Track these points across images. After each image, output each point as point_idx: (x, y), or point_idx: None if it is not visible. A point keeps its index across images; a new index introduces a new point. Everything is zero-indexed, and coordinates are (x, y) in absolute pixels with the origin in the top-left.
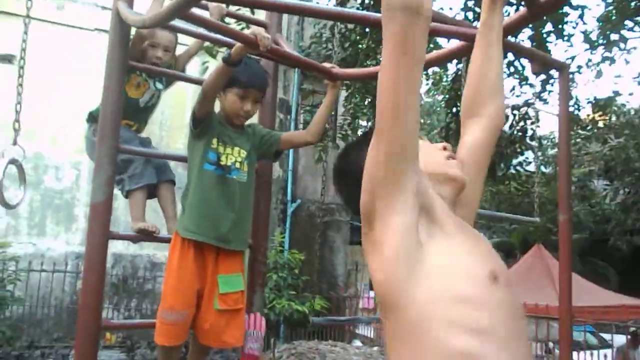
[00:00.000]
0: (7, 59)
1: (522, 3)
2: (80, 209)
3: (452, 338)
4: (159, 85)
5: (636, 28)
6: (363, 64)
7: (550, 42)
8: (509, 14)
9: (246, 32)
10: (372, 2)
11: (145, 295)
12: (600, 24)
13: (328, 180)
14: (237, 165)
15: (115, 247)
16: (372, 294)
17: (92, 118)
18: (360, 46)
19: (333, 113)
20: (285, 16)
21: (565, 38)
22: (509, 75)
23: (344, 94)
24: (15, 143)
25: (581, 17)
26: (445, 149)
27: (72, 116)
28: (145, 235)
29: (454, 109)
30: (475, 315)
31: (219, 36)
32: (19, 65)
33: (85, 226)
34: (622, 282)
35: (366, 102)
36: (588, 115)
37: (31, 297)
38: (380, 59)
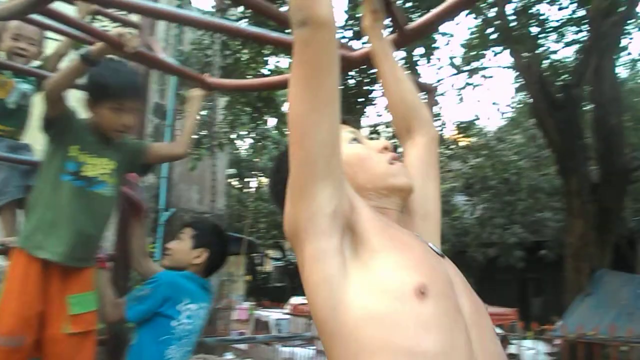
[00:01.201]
0: None
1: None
2: None
3: None
4: (26, 86)
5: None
6: (243, 73)
7: (421, 65)
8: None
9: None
10: (250, 14)
11: None
12: (465, 50)
13: (204, 190)
14: (103, 178)
15: None
16: (245, 305)
17: None
18: (241, 55)
19: (210, 121)
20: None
21: (433, 63)
22: (383, 95)
23: (222, 102)
24: None
25: (447, 44)
26: (386, 149)
27: None
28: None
29: None
30: (401, 335)
31: (83, 35)
32: None
33: None
34: (479, 290)
35: (246, 113)
36: (451, 136)
37: None
38: (260, 69)
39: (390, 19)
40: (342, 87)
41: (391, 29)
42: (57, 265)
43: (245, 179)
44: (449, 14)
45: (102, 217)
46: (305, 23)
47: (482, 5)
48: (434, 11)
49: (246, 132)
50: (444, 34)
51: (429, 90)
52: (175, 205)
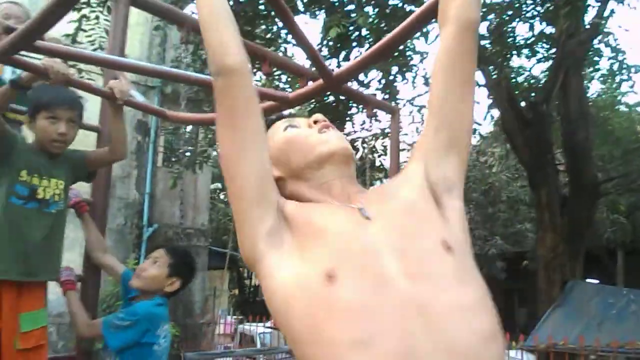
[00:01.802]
0: None
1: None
2: None
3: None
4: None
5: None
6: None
7: (397, 83)
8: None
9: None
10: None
11: None
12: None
13: (186, 205)
14: (56, 198)
15: None
16: (229, 319)
17: None
18: None
19: (193, 139)
20: (149, 35)
21: (408, 81)
22: (359, 111)
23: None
24: None
25: (422, 61)
26: (316, 122)
27: None
28: None
29: None
30: (320, 327)
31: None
32: None
33: None
34: None
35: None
36: None
37: None
38: None
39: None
40: (320, 103)
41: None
42: (12, 284)
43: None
44: (373, 61)
45: (56, 231)
46: (219, 73)
47: None
48: (358, 59)
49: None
50: (417, 52)
51: (392, 112)
52: (159, 221)
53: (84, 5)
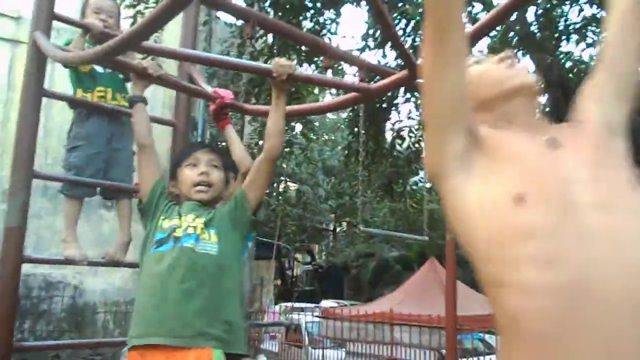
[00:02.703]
0: None
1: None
2: None
3: (508, 290)
4: None
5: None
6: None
7: None
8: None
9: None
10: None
11: (40, 316)
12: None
13: None
14: (191, 230)
15: None
16: (276, 308)
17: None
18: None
19: (239, 131)
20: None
21: None
22: (405, 101)
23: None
24: None
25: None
26: (502, 60)
27: None
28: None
29: (355, 129)
30: (505, 245)
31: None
32: None
33: None
34: None
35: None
36: None
37: None
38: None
39: (404, 59)
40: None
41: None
42: (158, 350)
43: (274, 184)
44: None
45: (209, 280)
46: None
47: None
48: None
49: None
50: None
51: None
52: None
53: (137, 2)
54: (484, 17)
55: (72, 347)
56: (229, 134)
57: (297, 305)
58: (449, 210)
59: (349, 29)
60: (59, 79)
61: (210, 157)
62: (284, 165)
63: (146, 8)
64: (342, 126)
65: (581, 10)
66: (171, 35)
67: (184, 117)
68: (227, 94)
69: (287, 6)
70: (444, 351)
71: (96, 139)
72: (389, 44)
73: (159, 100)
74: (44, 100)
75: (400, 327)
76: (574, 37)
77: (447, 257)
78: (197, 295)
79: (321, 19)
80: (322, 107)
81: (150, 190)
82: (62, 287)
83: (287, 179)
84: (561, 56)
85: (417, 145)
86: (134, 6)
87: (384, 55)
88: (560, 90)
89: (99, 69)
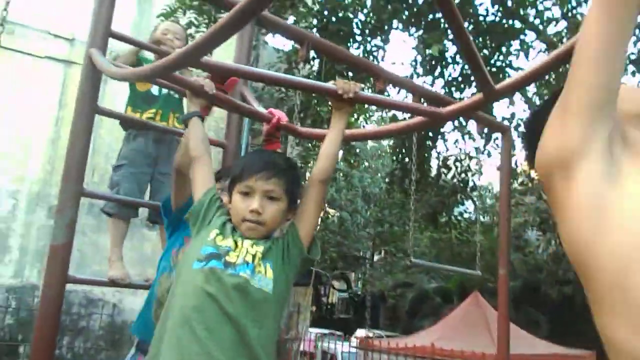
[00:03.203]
0: None
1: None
2: (15, 240)
3: None
4: None
5: None
6: (316, 109)
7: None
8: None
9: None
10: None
11: (79, 333)
12: (537, 86)
13: None
14: (249, 258)
15: None
16: (312, 336)
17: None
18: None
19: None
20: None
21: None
22: (453, 129)
23: (292, 138)
24: None
25: None
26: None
27: (11, 144)
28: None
29: (399, 156)
30: None
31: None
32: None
33: (19, 258)
34: (552, 329)
35: (317, 148)
36: (525, 171)
37: None
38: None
39: (479, 82)
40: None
41: (480, 87)
42: None
43: None
44: (535, 76)
45: (260, 316)
46: None
47: (554, 39)
48: (522, 74)
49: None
50: (516, 69)
51: (503, 130)
52: None
53: (189, 26)
54: None
55: None
56: None
57: (328, 331)
58: (564, 207)
59: (396, 55)
60: (108, 98)
61: (268, 188)
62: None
63: (197, 32)
64: (384, 154)
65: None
66: (223, 57)
67: (235, 138)
68: (282, 115)
69: (335, 32)
70: None
71: (139, 158)
72: (437, 71)
73: (205, 124)
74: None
75: None
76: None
77: (500, 293)
78: (247, 336)
79: (368, 47)
80: (386, 131)
81: (203, 195)
82: (102, 304)
83: (327, 205)
84: None
85: (463, 175)
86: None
87: (433, 83)
88: None
89: (155, 91)
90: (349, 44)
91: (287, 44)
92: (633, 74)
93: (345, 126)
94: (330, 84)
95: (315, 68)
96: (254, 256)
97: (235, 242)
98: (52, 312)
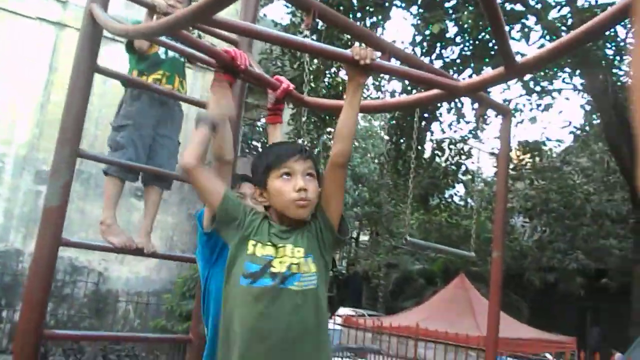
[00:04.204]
0: None
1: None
2: (1, 204)
3: None
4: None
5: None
6: (310, 84)
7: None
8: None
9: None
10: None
11: (63, 300)
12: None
13: None
14: (295, 268)
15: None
16: None
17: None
18: (310, 66)
19: None
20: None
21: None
22: (448, 112)
23: (289, 112)
24: None
25: None
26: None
27: (3, 106)
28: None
29: (395, 137)
30: None
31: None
32: None
33: (4, 222)
34: (532, 314)
35: (311, 122)
36: (518, 156)
37: None
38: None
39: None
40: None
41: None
42: None
43: None
44: (562, 53)
45: (308, 321)
46: None
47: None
48: (548, 49)
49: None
50: (516, 53)
51: (504, 113)
52: None
53: None
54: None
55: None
56: (277, 133)
57: None
58: None
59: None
60: (107, 59)
61: (306, 165)
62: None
63: None
64: (374, 134)
65: None
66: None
67: (237, 109)
68: (289, 83)
69: (335, 7)
70: None
71: (144, 120)
72: (437, 50)
73: (197, 88)
74: None
75: (425, 343)
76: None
77: (493, 274)
78: (311, 331)
79: (368, 23)
80: (394, 103)
81: (223, 199)
82: (87, 272)
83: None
84: (617, 76)
85: (457, 158)
86: None
87: (431, 62)
88: (614, 113)
89: (162, 54)
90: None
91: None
92: None
93: (359, 100)
94: (344, 51)
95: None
96: (299, 264)
97: (275, 247)
98: (43, 275)
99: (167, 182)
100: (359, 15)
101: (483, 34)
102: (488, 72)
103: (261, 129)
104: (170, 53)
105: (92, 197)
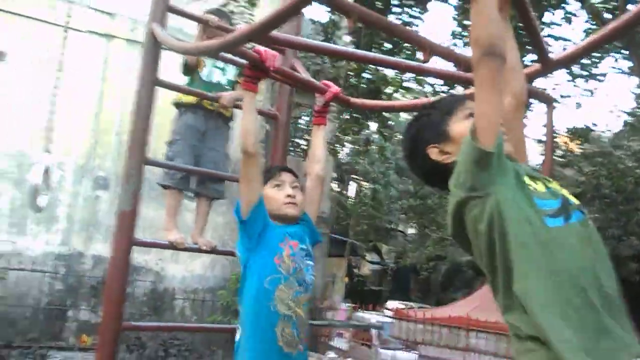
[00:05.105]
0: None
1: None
2: (62, 210)
3: None
4: (214, 63)
5: (615, 63)
6: (348, 81)
7: None
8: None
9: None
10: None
11: (125, 299)
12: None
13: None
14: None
15: (95, 249)
16: (345, 306)
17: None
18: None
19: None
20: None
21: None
22: None
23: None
24: (47, 151)
25: (564, 48)
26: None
27: (58, 116)
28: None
29: None
30: None
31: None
32: (56, 75)
33: (67, 227)
34: None
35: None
36: (565, 142)
37: (9, 296)
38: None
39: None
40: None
41: (537, 58)
42: None
43: (345, 183)
44: (594, 48)
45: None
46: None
47: (599, 7)
48: (582, 44)
49: (349, 137)
50: (557, 38)
51: (548, 101)
52: None
53: (231, 1)
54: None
55: (165, 330)
56: (320, 134)
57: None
58: None
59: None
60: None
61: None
62: (358, 164)
63: (238, 6)
64: None
65: None
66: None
67: (286, 109)
68: (337, 88)
69: (372, 3)
70: None
71: (189, 133)
72: None
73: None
74: None
75: (476, 333)
76: None
77: None
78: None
79: (406, 18)
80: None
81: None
82: (145, 272)
83: (360, 178)
84: None
85: None
86: (225, 5)
87: None
88: None
89: (204, 77)
90: (386, 15)
91: (324, 17)
92: None
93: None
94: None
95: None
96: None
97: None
98: (120, 275)
99: (216, 191)
100: (397, 10)
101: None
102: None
103: (304, 127)
104: (214, 78)
105: (147, 201)
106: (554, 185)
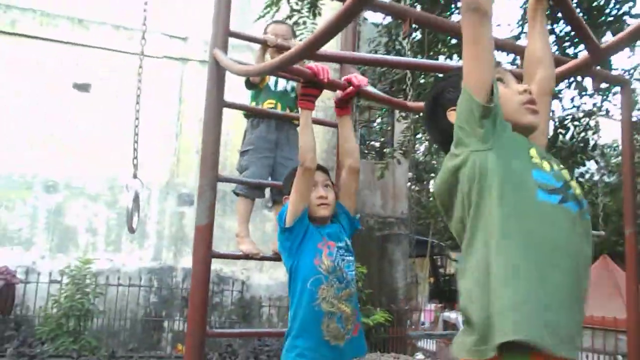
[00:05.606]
0: (84, 88)
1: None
2: (151, 226)
3: None
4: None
5: None
6: (416, 80)
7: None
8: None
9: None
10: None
11: (214, 308)
12: None
13: (387, 194)
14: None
15: (184, 262)
16: (429, 307)
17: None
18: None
19: (389, 129)
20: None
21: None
22: (567, 87)
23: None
24: (135, 176)
25: None
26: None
27: (145, 140)
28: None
29: None
30: None
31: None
32: (136, 107)
33: (156, 243)
34: None
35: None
36: None
37: (109, 310)
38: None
39: (584, 38)
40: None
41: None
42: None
43: (424, 182)
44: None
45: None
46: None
47: None
48: (629, 29)
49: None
50: (636, 16)
51: (622, 83)
52: (360, 211)
53: (295, 13)
54: None
55: (248, 336)
56: (347, 123)
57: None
58: None
59: (500, 16)
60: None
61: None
62: (435, 162)
63: (300, 17)
64: None
65: None
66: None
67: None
68: (361, 81)
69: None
70: (620, 357)
71: (262, 143)
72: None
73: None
74: None
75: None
76: None
77: (628, 254)
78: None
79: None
80: None
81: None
82: (232, 282)
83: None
84: None
85: (582, 134)
86: (290, 17)
87: None
88: None
89: (271, 86)
90: (450, 9)
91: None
92: None
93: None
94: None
95: (417, 38)
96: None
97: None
98: (201, 286)
99: None
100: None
101: (595, 3)
102: (573, 60)
103: (378, 128)
104: (280, 87)
105: (228, 214)
106: (563, 172)
